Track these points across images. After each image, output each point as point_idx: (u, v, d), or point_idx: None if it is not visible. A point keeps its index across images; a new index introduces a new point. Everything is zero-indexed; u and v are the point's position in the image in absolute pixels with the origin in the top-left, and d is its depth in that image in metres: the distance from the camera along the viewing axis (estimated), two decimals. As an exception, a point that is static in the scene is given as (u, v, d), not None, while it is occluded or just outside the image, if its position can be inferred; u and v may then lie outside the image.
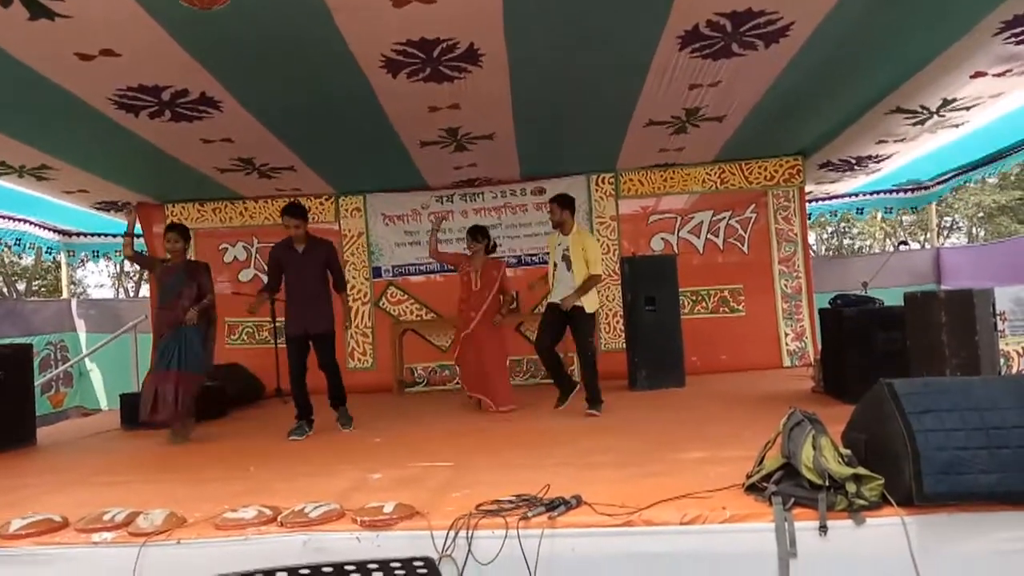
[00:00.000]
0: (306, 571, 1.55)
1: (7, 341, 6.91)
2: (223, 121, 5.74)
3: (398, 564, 1.57)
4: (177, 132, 5.90)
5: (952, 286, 8.80)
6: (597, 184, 8.36)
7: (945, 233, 23.01)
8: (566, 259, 5.78)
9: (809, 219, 9.35)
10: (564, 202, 5.85)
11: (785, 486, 2.69)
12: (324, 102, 5.49)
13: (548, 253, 6.18)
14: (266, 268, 5.96)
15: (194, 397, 5.49)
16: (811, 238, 24.85)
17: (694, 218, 8.38)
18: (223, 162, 7.02)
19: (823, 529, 2.53)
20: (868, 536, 2.55)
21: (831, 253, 24.87)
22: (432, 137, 6.47)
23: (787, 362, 8.03)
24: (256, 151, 6.74)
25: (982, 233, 22.13)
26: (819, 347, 7.09)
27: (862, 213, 10.97)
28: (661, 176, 8.33)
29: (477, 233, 6.10)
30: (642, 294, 6.79)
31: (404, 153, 6.89)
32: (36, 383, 6.94)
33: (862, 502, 2.55)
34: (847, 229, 24.91)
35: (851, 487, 2.56)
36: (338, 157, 7.08)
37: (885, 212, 10.46)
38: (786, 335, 8.16)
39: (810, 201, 9.86)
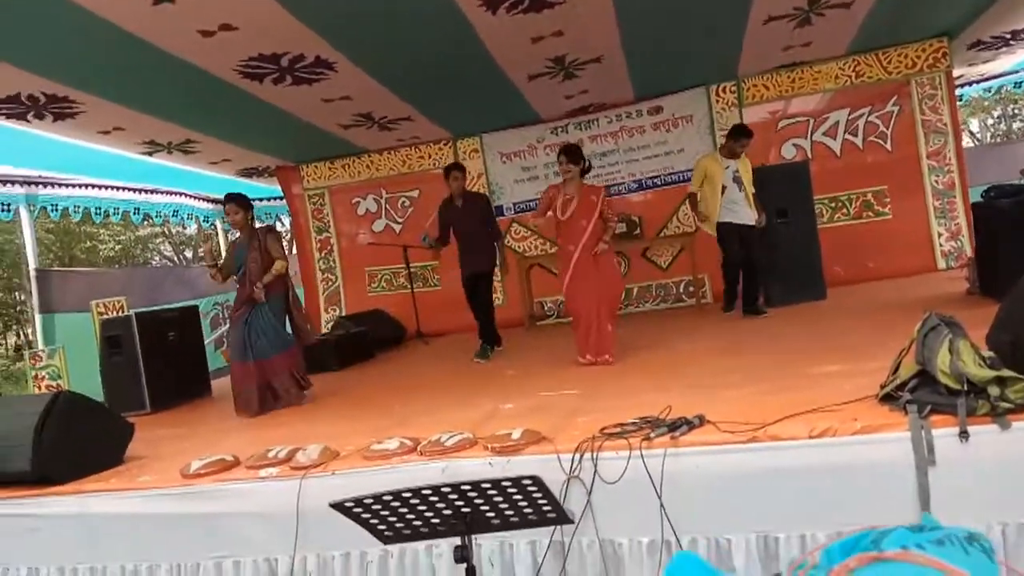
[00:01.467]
0: (428, 490, 1.69)
1: (179, 304, 7.70)
2: (339, 80, 5.99)
3: (509, 483, 1.67)
4: (299, 95, 6.22)
5: None
6: (718, 95, 7.97)
7: None
8: (738, 180, 6.15)
9: (960, 103, 8.47)
10: (752, 134, 6.29)
11: (921, 393, 2.56)
12: (429, 50, 5.58)
13: (683, 175, 7.00)
14: (436, 223, 6.40)
15: (286, 375, 5.08)
16: (974, 125, 22.47)
17: (829, 118, 7.83)
18: (345, 119, 7.33)
19: (964, 435, 2.40)
20: (1016, 440, 2.38)
21: (998, 140, 22.33)
22: (539, 69, 6.41)
23: (942, 264, 7.44)
24: (373, 105, 6.99)
25: None
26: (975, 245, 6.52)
27: (1022, 86, 9.75)
28: (788, 78, 7.81)
29: (570, 153, 5.13)
30: (772, 206, 6.48)
31: (513, 89, 6.88)
32: (207, 340, 7.72)
33: (1007, 405, 2.39)
34: (1016, 112, 22.21)
35: (994, 390, 2.39)
36: (450, 102, 7.20)
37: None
38: (939, 235, 7.54)
39: (961, 85, 8.94)
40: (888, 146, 7.68)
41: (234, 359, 5.11)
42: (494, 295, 6.65)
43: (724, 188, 6.15)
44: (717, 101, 7.96)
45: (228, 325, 5.28)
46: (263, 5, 4.38)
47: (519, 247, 8.64)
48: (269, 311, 5.05)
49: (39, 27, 4.30)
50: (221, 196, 9.86)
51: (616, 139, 8.24)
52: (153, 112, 6.23)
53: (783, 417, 2.75)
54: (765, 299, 6.41)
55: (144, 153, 7.46)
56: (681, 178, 8.06)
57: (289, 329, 5.24)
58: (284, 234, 23.60)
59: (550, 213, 5.11)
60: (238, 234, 5.29)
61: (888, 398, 2.73)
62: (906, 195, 7.60)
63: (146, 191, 9.05)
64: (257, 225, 5.27)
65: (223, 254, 5.69)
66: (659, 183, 8.20)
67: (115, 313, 7.33)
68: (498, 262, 6.22)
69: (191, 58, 5.11)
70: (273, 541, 3.11)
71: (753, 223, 6.19)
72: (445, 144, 8.75)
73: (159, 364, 5.96)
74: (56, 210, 8.16)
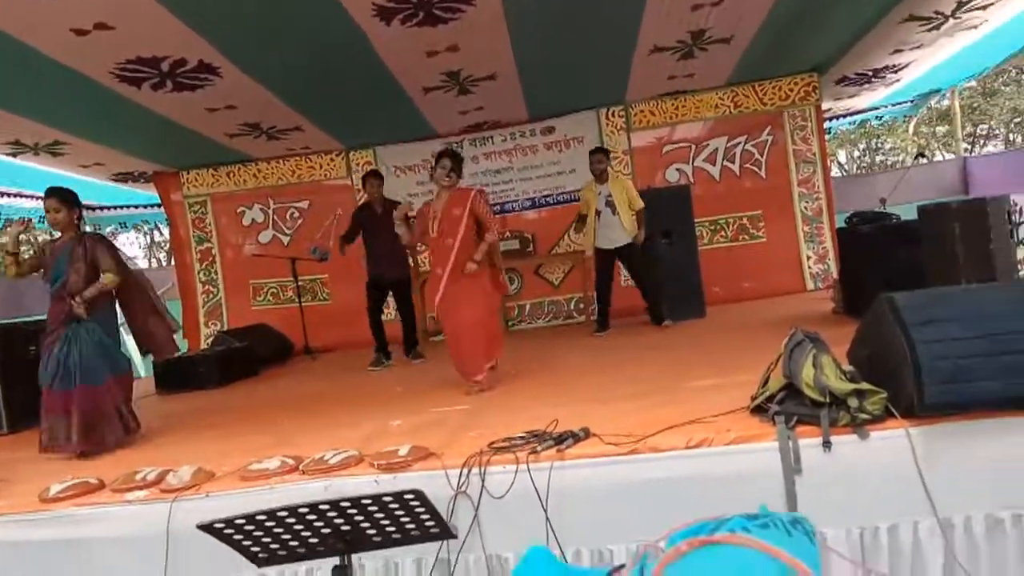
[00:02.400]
0: (304, 508, 1.63)
1: (41, 318, 7.11)
2: (224, 88, 5.76)
3: (390, 498, 1.64)
4: (181, 102, 5.93)
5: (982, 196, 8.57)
6: (608, 118, 8.23)
7: (981, 142, 22.21)
8: (610, 204, 6.37)
9: (828, 135, 9.13)
10: (607, 153, 6.64)
11: (788, 405, 2.72)
12: (322, 58, 5.46)
13: (573, 195, 7.32)
14: (349, 224, 6.58)
15: (115, 408, 4.22)
16: (841, 156, 24.25)
17: (709, 145, 8.23)
18: (231, 128, 7.06)
19: (827, 445, 2.56)
20: (873, 449, 2.57)
21: (863, 171, 24.20)
22: (434, 82, 6.41)
23: (810, 285, 7.94)
24: (261, 115, 6.77)
25: (1019, 139, 21.31)
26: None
27: (881, 120, 10.62)
28: (673, 105, 8.16)
29: (456, 159, 4.57)
30: (657, 228, 6.74)
31: (408, 102, 6.84)
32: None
33: (865, 416, 2.57)
34: (879, 146, 24.15)
35: (853, 402, 2.57)
36: (343, 113, 7.07)
37: (908, 109, 10.08)
38: (808, 258, 8.05)
39: (830, 119, 9.63)
40: (763, 173, 8.16)
41: (45, 386, 4.15)
42: (386, 311, 6.53)
43: (599, 213, 6.41)
44: (607, 124, 8.22)
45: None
46: (142, 4, 4.15)
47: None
48: (97, 330, 4.20)
49: None
50: (92, 202, 9.40)
51: (510, 157, 8.35)
52: (18, 111, 5.79)
53: (663, 429, 2.86)
54: (650, 315, 6.63)
55: (8, 154, 6.90)
56: (572, 197, 8.22)
57: (133, 348, 4.56)
58: (163, 244, 22.42)
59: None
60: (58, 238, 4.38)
61: (758, 410, 2.88)
62: (778, 220, 8.08)
63: (7, 194, 8.36)
64: (87, 230, 4.41)
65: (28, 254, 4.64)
66: (551, 202, 8.36)
67: (-34, 326, 6.70)
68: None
69: (62, 58, 4.78)
70: (141, 569, 2.92)
71: (629, 242, 6.39)
72: (338, 155, 8.58)
73: (18, 381, 5.47)
74: (-102, 211, 7.43)
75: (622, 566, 1.53)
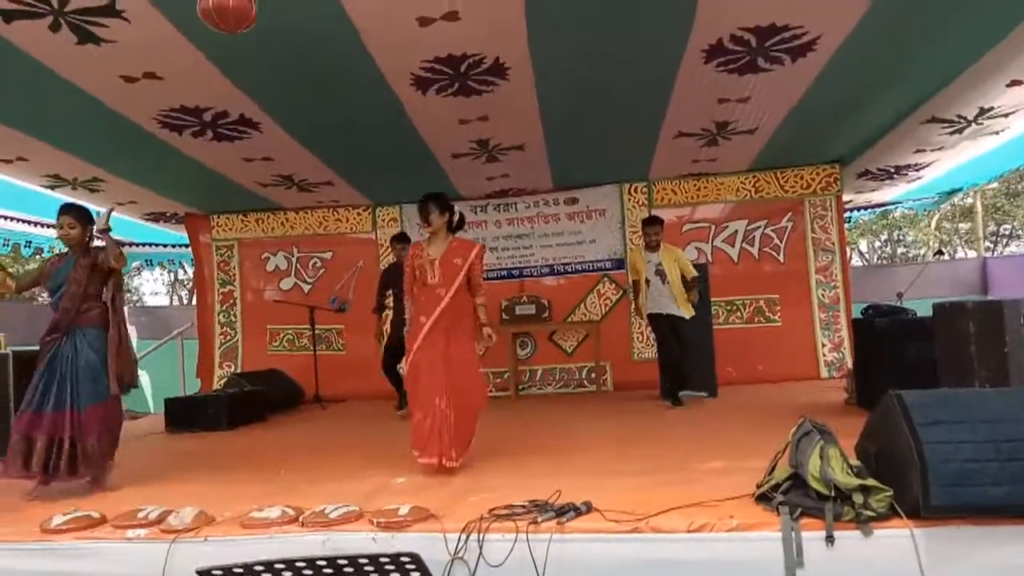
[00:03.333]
0: (302, 563, 1.65)
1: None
2: (262, 141, 5.99)
3: (387, 559, 1.66)
4: (219, 151, 6.17)
5: (999, 297, 8.56)
6: (630, 193, 8.38)
7: (1004, 241, 22.24)
8: (660, 273, 6.32)
9: (849, 225, 9.20)
10: (662, 223, 6.57)
11: (793, 496, 2.71)
12: (357, 120, 5.66)
13: (593, 265, 7.77)
14: (377, 290, 6.73)
15: (105, 432, 4.04)
16: (862, 246, 24.34)
17: (728, 227, 8.34)
18: (264, 178, 7.29)
19: (830, 539, 2.54)
20: (876, 547, 2.55)
21: (884, 261, 24.24)
22: (463, 149, 6.61)
23: (824, 373, 7.91)
24: (294, 168, 6.99)
25: (1042, 240, 21.35)
26: (854, 358, 7.00)
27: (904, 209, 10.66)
28: (695, 185, 8.32)
29: (439, 201, 4.28)
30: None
31: (436, 165, 7.04)
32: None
33: (870, 513, 2.56)
34: (900, 237, 24.27)
35: (858, 498, 2.56)
36: (373, 171, 7.29)
37: (930, 204, 10.14)
38: (823, 346, 8.04)
39: (850, 209, 9.74)
40: (781, 258, 8.23)
41: (33, 406, 3.90)
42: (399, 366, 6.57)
43: (649, 282, 6.34)
44: (629, 199, 8.37)
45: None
46: (193, 59, 4.37)
47: (427, 319, 8.64)
48: (90, 348, 3.97)
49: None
50: (121, 238, 9.62)
51: (532, 223, 8.50)
52: (61, 146, 6.01)
53: (666, 509, 2.84)
54: (661, 392, 6.60)
55: (46, 187, 7.14)
56: (592, 267, 8.38)
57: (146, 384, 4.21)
58: (185, 282, 22.75)
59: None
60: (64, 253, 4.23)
61: (763, 498, 2.86)
62: (795, 305, 8.11)
63: (41, 224, 8.59)
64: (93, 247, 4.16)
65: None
66: (570, 270, 8.46)
67: (-10, 350, 6.81)
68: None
69: (109, 101, 5.00)
70: (134, 608, 2.91)
71: (679, 314, 6.28)
72: (365, 210, 8.77)
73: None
74: (-61, 236, 7.65)
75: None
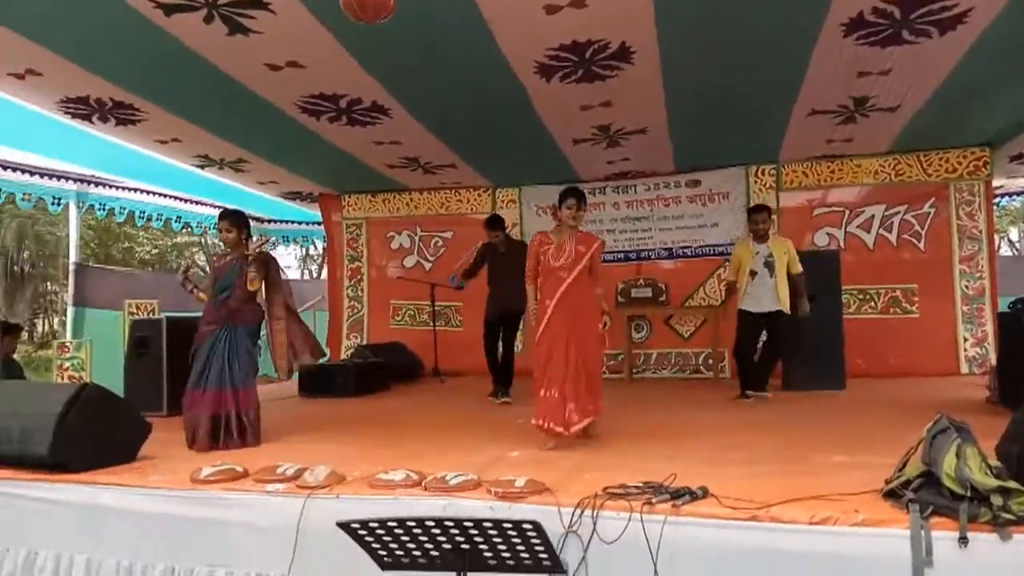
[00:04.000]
0: (431, 522, 1.76)
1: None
2: (392, 126, 6.27)
3: (510, 525, 1.73)
4: (353, 135, 6.50)
5: None
6: (757, 176, 8.11)
7: None
8: (769, 265, 5.97)
9: (998, 211, 8.52)
10: (771, 211, 6.28)
11: (924, 494, 2.58)
12: (481, 106, 5.83)
13: (713, 249, 7.46)
14: (473, 258, 6.75)
15: (257, 409, 4.64)
16: (1013, 234, 22.37)
17: (864, 212, 7.91)
18: (392, 160, 7.60)
19: (963, 540, 2.41)
20: (1014, 552, 2.39)
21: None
22: (584, 135, 6.62)
23: (965, 369, 7.41)
24: (421, 151, 7.26)
25: None
26: (999, 354, 6.51)
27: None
28: (828, 168, 7.94)
29: (580, 198, 4.49)
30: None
31: (557, 150, 7.09)
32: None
33: (1009, 516, 2.40)
34: (1057, 224, 22.11)
35: (997, 500, 2.41)
36: (494, 155, 7.46)
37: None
38: (965, 340, 7.51)
39: (1000, 195, 9.00)
40: (921, 246, 7.73)
41: (208, 388, 4.47)
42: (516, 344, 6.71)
43: (755, 273, 6.00)
44: (755, 182, 8.09)
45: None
46: (332, 49, 4.64)
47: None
48: (247, 338, 4.62)
49: (117, 38, 4.59)
50: (262, 215, 10.30)
51: (651, 206, 8.39)
52: (211, 129, 6.51)
53: (786, 500, 2.77)
54: (783, 382, 6.40)
55: (196, 166, 7.75)
56: (712, 251, 8.18)
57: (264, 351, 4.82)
58: (315, 257, 24.03)
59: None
60: (228, 252, 4.84)
61: (892, 494, 2.74)
62: (935, 296, 7.62)
63: (191, 201, 9.35)
64: (256, 249, 4.65)
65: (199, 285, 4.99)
66: (689, 253, 8.30)
67: (146, 314, 7.52)
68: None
69: (256, 88, 5.38)
70: (268, 557, 3.15)
71: (779, 310, 5.95)
72: (485, 191, 8.96)
73: (180, 369, 6.03)
74: (103, 209, 8.47)
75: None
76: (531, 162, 7.68)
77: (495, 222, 6.53)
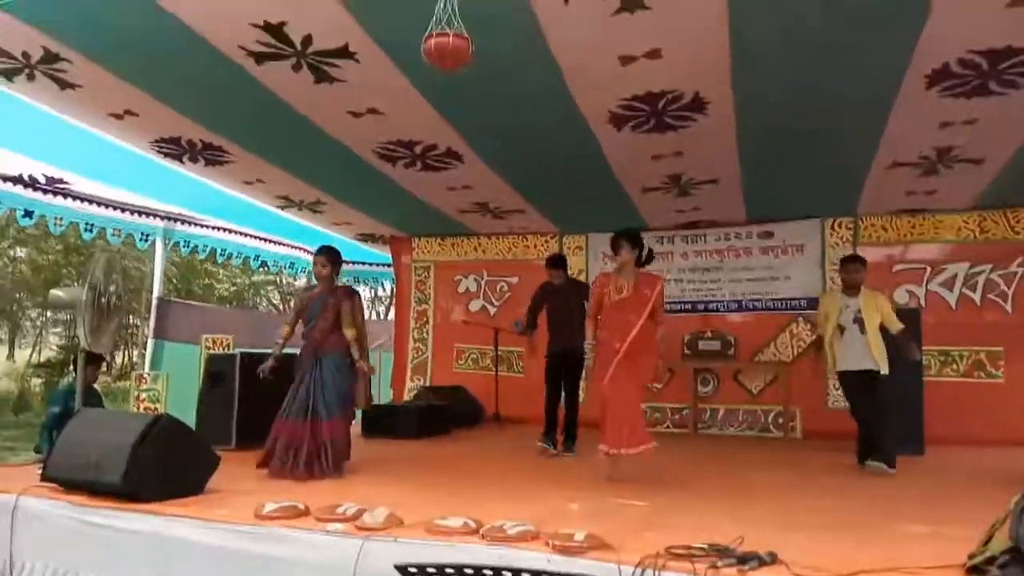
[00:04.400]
0: (489, 571, 1.73)
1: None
2: (464, 171, 6.41)
3: (568, 580, 1.69)
4: (426, 180, 6.67)
5: None
6: (833, 228, 7.90)
7: None
8: (859, 321, 5.57)
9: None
10: (865, 263, 5.84)
11: (1011, 571, 2.41)
12: (552, 154, 5.89)
13: (786, 303, 7.25)
14: (533, 300, 6.65)
15: (341, 440, 4.90)
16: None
17: (947, 270, 7.58)
18: (463, 205, 7.75)
19: (1056, 627, 2.23)
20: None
21: None
22: (655, 184, 6.61)
23: (1055, 439, 6.93)
24: (491, 196, 7.38)
25: None
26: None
27: None
28: (909, 223, 7.67)
29: (631, 238, 4.79)
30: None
31: (626, 198, 7.10)
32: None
33: (1108, 602, 2.22)
34: None
35: (1094, 584, 2.23)
36: (563, 202, 7.53)
37: None
38: (1055, 408, 7.04)
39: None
40: (1008, 307, 7.35)
41: (289, 416, 4.82)
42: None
43: (843, 329, 5.61)
44: (831, 235, 7.89)
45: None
46: (411, 98, 4.81)
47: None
48: (336, 371, 4.91)
49: (211, 84, 4.83)
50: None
51: (722, 256, 8.26)
52: (294, 172, 6.78)
53: (861, 571, 2.63)
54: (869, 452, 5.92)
55: (277, 207, 8.06)
56: (785, 305, 7.97)
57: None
58: (383, 299, 24.52)
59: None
60: (316, 286, 5.25)
61: (975, 571, 2.57)
62: (1022, 361, 7.19)
63: (269, 240, 9.70)
64: (340, 284, 5.11)
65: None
66: (760, 307, 8.11)
67: (222, 349, 7.76)
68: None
69: (336, 134, 5.59)
70: (325, 596, 3.17)
71: (874, 368, 5.47)
72: (552, 237, 9.01)
73: (251, 403, 6.22)
74: (187, 246, 8.85)
75: None
76: (600, 209, 7.69)
77: (556, 261, 6.43)
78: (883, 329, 5.61)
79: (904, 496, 4.44)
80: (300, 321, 5.13)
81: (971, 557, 2.64)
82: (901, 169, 6.22)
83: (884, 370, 5.48)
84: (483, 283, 9.40)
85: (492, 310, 9.26)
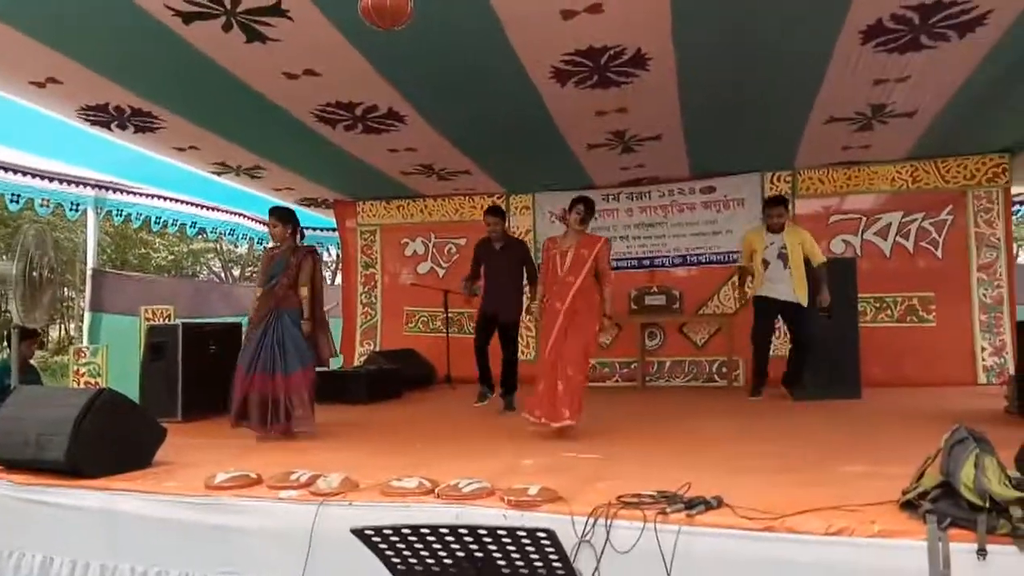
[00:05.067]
0: (445, 529, 1.76)
1: (220, 320, 7.91)
2: (407, 133, 6.29)
3: (524, 533, 1.73)
4: (368, 142, 6.53)
5: None
6: (772, 182, 8.06)
7: None
8: (783, 257, 5.92)
9: (1017, 218, 8.45)
10: (787, 204, 6.16)
11: (942, 505, 2.54)
12: (497, 113, 5.83)
13: (728, 256, 7.32)
14: (472, 261, 6.61)
15: (300, 394, 4.96)
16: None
17: (881, 219, 7.85)
18: (407, 167, 7.64)
19: (982, 553, 2.37)
20: (1036, 566, 2.36)
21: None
22: (599, 140, 6.61)
23: (983, 379, 7.32)
24: (435, 158, 7.28)
25: None
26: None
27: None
28: (845, 175, 7.89)
29: (589, 206, 4.83)
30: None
31: (571, 156, 7.09)
32: (244, 358, 7.87)
33: (1029, 529, 2.37)
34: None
35: (1016, 512, 2.37)
36: (509, 161, 7.47)
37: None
38: (983, 349, 7.42)
39: (1020, 203, 8.92)
40: (939, 253, 7.66)
41: (244, 369, 4.89)
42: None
43: (767, 264, 5.97)
44: (771, 188, 8.05)
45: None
46: (348, 57, 4.67)
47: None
48: (292, 325, 4.97)
49: (136, 46, 4.63)
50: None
51: (666, 212, 8.37)
52: (229, 137, 6.57)
53: (802, 510, 2.74)
54: (800, 389, 6.32)
55: (213, 173, 7.82)
56: (727, 258, 8.14)
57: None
58: (329, 264, 24.22)
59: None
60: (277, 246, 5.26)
61: (909, 505, 2.71)
62: (952, 305, 7.54)
63: (206, 207, 9.42)
64: (302, 244, 5.24)
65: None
66: (703, 260, 8.27)
67: (162, 320, 7.57)
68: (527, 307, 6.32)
69: (272, 96, 5.42)
70: (281, 564, 3.15)
71: (796, 301, 5.90)
72: (499, 198, 8.95)
73: (196, 375, 6.11)
74: (120, 215, 8.55)
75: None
76: (546, 168, 7.68)
77: (494, 208, 6.43)
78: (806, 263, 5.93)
79: (843, 438, 4.63)
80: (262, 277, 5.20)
81: (905, 493, 2.78)
82: (837, 124, 6.37)
83: (804, 303, 5.84)
84: (431, 245, 9.33)
85: (441, 272, 9.22)
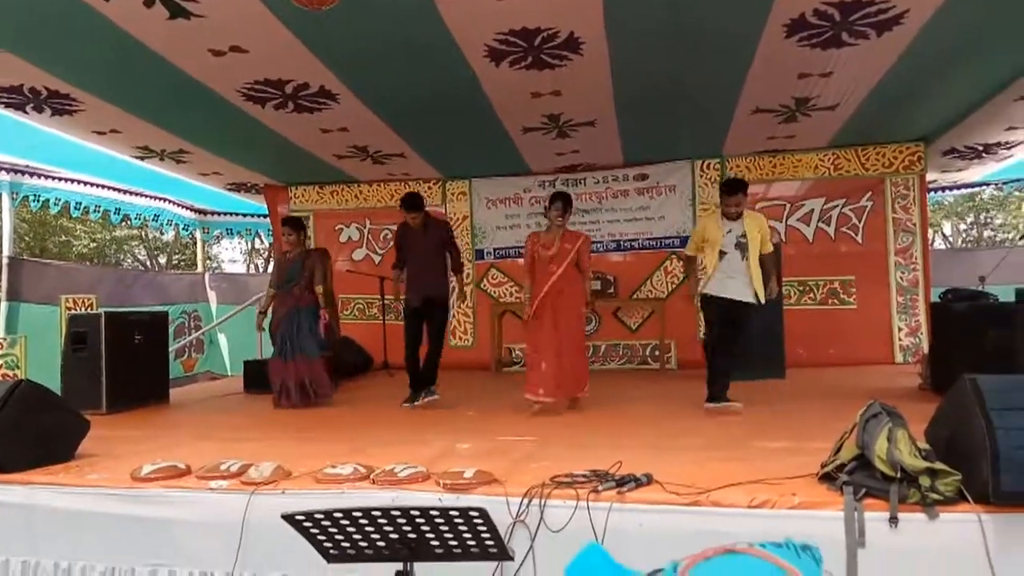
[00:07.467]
0: (377, 512, 1.76)
1: (146, 309, 7.65)
2: (340, 112, 6.15)
3: (456, 512, 1.75)
4: (299, 122, 6.36)
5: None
6: (702, 170, 8.26)
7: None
8: (741, 246, 5.04)
9: (932, 205, 8.87)
10: (746, 188, 5.18)
11: (858, 476, 2.68)
12: (431, 92, 5.75)
13: (661, 242, 7.47)
14: (394, 247, 6.32)
15: (322, 375, 5.97)
16: (946, 228, 23.26)
17: (804, 205, 8.14)
18: (340, 149, 7.48)
19: (894, 520, 2.52)
20: (941, 530, 2.51)
21: (969, 245, 23.12)
22: (534, 123, 6.63)
23: (900, 358, 7.69)
24: (369, 139, 7.16)
25: None
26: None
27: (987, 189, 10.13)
28: (770, 162, 8.13)
29: (567, 202, 5.36)
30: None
31: (507, 139, 7.08)
32: (171, 348, 7.67)
33: (936, 496, 2.52)
34: (988, 220, 23.01)
35: (925, 481, 2.53)
36: (445, 144, 7.40)
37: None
38: (900, 330, 7.80)
39: (934, 190, 9.37)
40: (859, 239, 7.99)
41: (277, 357, 5.90)
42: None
43: (724, 254, 5.09)
44: (701, 175, 8.25)
45: (271, 322, 6.15)
46: (275, 30, 4.51)
47: (494, 292, 8.76)
48: (312, 318, 5.99)
49: (52, 25, 4.40)
50: (204, 206, 10.06)
51: (600, 199, 8.48)
52: (151, 119, 6.31)
53: (726, 485, 2.86)
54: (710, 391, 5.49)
55: (136, 157, 7.52)
56: (659, 244, 8.32)
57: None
58: (261, 251, 23.62)
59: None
60: (291, 251, 6.17)
61: (827, 478, 2.85)
62: (872, 288, 7.89)
63: (130, 192, 9.06)
64: (312, 247, 6.33)
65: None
66: (637, 246, 8.42)
67: (84, 309, 7.28)
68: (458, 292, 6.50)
69: (197, 75, 5.23)
70: (212, 555, 3.11)
71: (749, 300, 5.07)
72: (435, 183, 8.92)
73: (120, 366, 5.90)
74: (37, 201, 8.14)
75: (660, 570, 1.63)
76: (482, 152, 7.66)
77: (410, 202, 5.80)
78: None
79: (766, 416, 4.82)
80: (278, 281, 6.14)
81: (823, 466, 2.92)
82: (763, 115, 6.57)
83: (763, 299, 5.13)
84: (366, 231, 9.22)
85: (376, 259, 9.12)
